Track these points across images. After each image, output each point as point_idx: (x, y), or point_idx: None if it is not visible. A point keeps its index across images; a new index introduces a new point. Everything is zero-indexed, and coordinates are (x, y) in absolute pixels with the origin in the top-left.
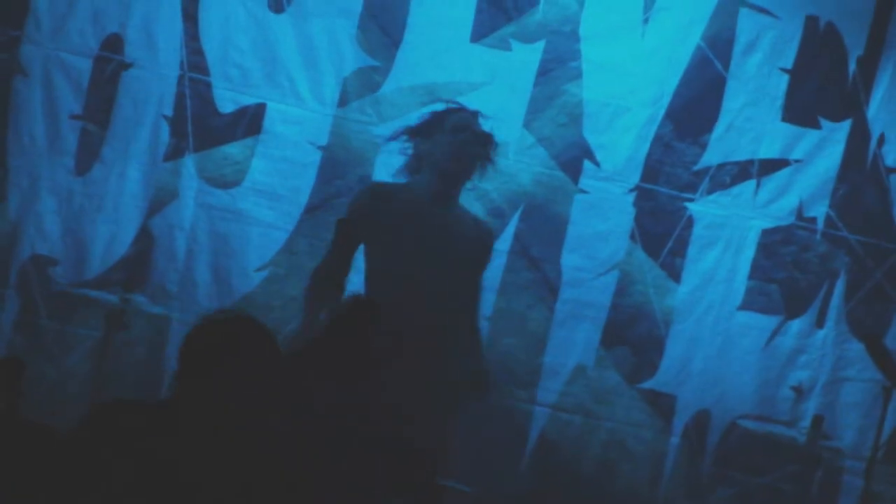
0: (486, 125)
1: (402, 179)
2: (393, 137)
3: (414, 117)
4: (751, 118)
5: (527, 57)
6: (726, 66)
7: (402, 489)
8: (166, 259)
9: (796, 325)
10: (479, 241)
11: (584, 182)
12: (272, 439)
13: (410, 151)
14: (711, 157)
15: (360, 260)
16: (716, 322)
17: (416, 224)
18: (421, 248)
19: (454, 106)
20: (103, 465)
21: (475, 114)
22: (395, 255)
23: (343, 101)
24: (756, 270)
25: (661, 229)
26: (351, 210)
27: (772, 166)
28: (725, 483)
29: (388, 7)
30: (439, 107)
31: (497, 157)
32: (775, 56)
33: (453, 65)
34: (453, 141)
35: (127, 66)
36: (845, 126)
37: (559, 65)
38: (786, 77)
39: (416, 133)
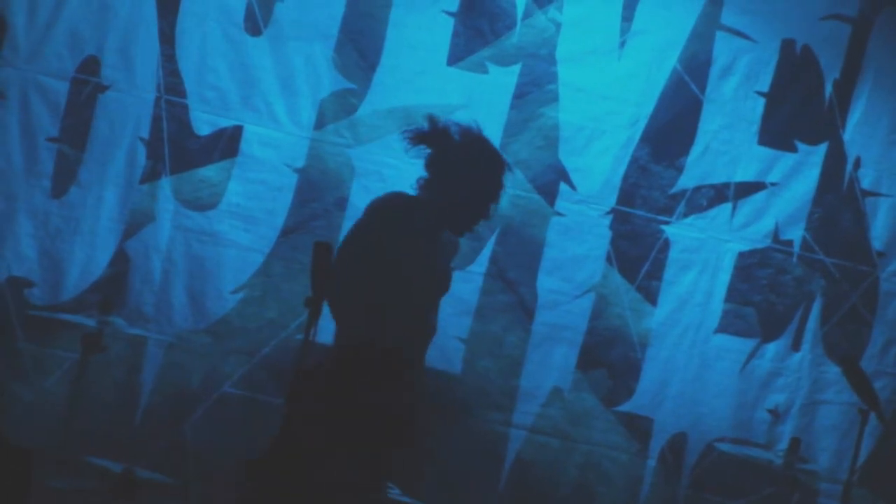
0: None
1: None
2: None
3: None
4: (727, 141)
5: (503, 80)
6: (703, 89)
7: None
8: (142, 281)
9: (772, 347)
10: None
11: (561, 205)
12: None
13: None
14: (688, 179)
15: None
16: (692, 345)
17: (423, 247)
18: (419, 276)
19: (473, 131)
20: None
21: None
22: (395, 276)
23: (319, 124)
24: (732, 293)
25: (637, 252)
26: (381, 216)
27: (748, 189)
28: None
29: (364, 30)
30: (456, 129)
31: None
32: (752, 79)
33: (430, 88)
34: (484, 189)
35: (104, 88)
36: (821, 149)
37: (536, 88)
38: (762, 100)
39: (425, 142)
